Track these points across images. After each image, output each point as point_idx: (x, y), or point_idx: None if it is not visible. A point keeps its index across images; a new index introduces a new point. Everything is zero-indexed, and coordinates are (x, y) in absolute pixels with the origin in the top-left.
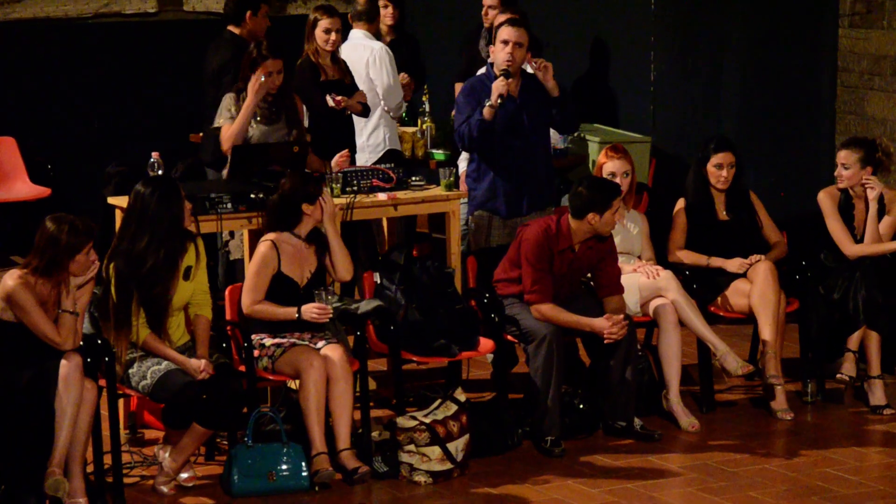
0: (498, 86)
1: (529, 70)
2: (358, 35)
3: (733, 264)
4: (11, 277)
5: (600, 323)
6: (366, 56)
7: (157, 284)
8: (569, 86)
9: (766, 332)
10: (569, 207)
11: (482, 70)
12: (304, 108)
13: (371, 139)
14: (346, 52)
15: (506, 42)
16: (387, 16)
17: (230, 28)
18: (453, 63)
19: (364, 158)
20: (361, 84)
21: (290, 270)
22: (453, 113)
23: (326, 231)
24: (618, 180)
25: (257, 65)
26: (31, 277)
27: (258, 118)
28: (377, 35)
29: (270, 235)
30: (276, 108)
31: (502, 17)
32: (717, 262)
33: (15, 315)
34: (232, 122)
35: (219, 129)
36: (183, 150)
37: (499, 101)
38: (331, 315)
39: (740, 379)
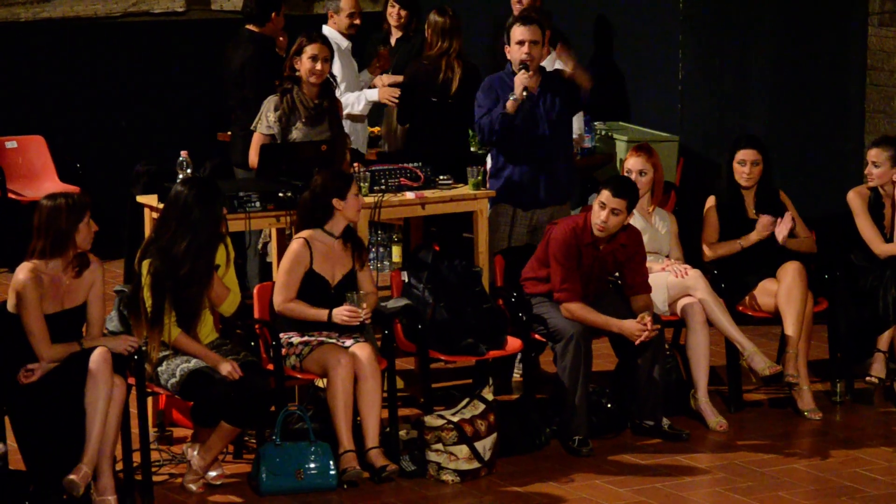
0: (522, 79)
1: (548, 67)
2: (327, 31)
3: (762, 222)
4: (23, 271)
5: (630, 325)
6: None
7: (192, 286)
8: (597, 84)
9: (790, 329)
10: None
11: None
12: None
13: None
14: None
15: (521, 42)
16: (391, 15)
17: (248, 27)
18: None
19: None
20: None
21: (321, 268)
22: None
23: None
24: (633, 177)
25: (302, 51)
26: (42, 263)
27: (303, 119)
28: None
29: (304, 233)
30: (320, 110)
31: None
32: (747, 238)
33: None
34: (269, 131)
35: (252, 133)
36: (211, 149)
37: (524, 94)
38: (361, 318)
39: (768, 379)
